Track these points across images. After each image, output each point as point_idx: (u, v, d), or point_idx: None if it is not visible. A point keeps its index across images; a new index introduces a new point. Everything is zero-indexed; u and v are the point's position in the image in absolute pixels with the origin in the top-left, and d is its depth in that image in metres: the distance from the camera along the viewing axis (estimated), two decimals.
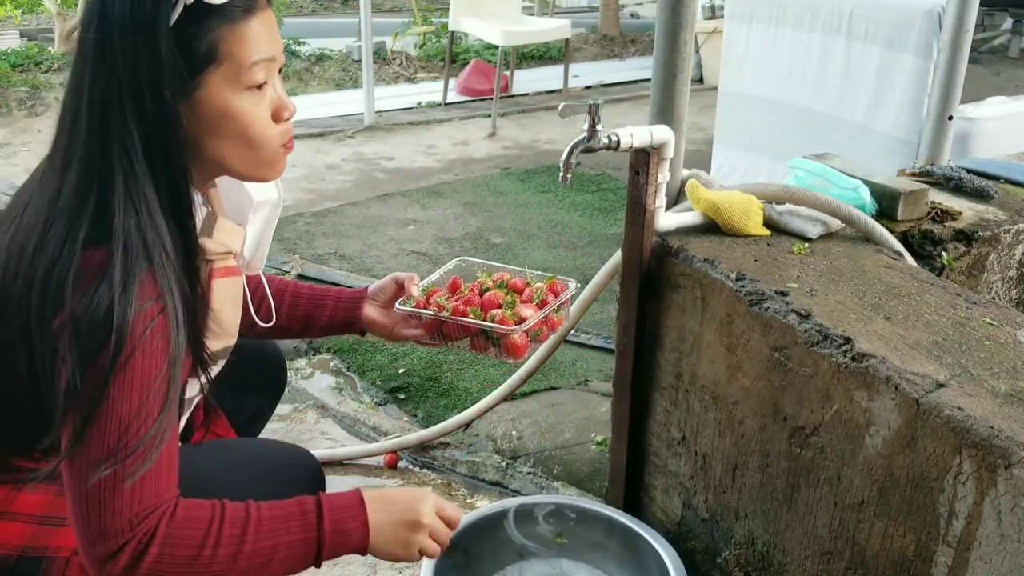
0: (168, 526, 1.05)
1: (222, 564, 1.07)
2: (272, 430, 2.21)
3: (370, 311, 1.55)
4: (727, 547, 1.70)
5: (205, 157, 1.14)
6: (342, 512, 1.16)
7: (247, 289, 1.39)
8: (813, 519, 1.48)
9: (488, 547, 1.78)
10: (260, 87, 1.13)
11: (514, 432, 2.44)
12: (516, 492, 2.23)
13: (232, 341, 1.27)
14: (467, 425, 2.35)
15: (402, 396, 2.62)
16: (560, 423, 2.48)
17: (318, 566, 1.16)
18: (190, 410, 1.34)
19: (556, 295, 1.51)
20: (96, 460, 1.01)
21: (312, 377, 2.73)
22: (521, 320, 1.43)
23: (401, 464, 2.33)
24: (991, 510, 1.16)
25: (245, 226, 1.32)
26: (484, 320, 1.44)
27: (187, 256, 1.12)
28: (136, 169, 1.05)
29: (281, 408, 2.54)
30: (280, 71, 1.18)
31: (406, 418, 2.53)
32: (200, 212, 1.17)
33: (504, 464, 2.31)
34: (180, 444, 1.30)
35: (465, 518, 1.78)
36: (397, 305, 1.52)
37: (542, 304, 1.48)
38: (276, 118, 1.16)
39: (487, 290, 1.52)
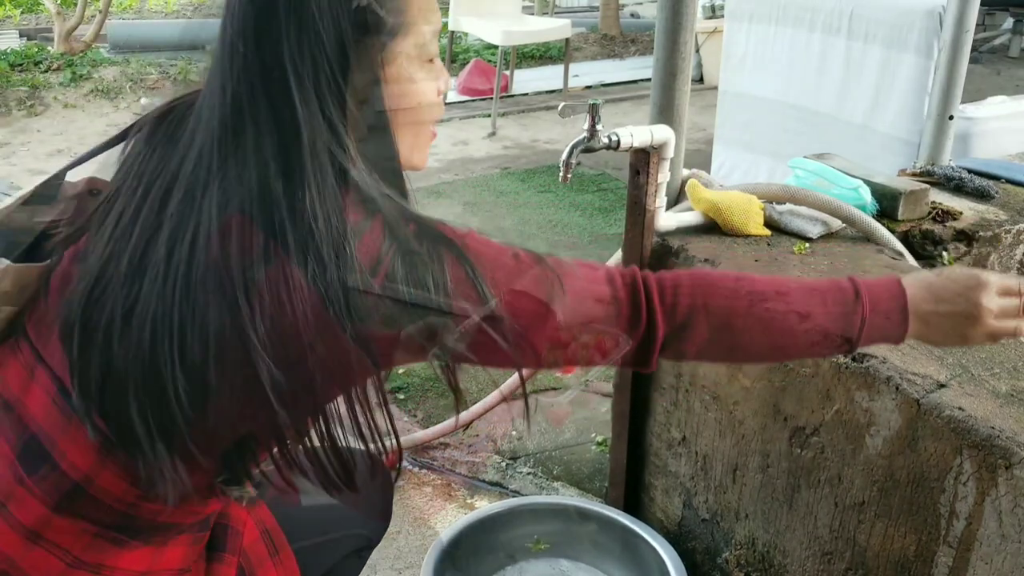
0: (672, 272, 0.98)
1: (760, 308, 0.98)
2: None
3: None
4: (727, 547, 1.70)
5: None
6: (881, 295, 1.02)
7: None
8: (814, 519, 1.48)
9: (488, 547, 1.78)
10: (432, 60, 1.01)
11: (514, 432, 2.44)
12: (516, 492, 2.23)
13: None
14: (467, 425, 2.34)
15: (402, 396, 2.62)
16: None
17: (850, 352, 1.05)
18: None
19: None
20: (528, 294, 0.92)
21: None
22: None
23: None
24: (992, 510, 1.16)
25: None
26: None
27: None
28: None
29: None
30: None
31: (406, 418, 2.53)
32: None
33: (504, 464, 2.31)
34: None
35: (464, 519, 1.78)
36: None
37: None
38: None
39: None
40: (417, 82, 0.99)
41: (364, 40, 0.91)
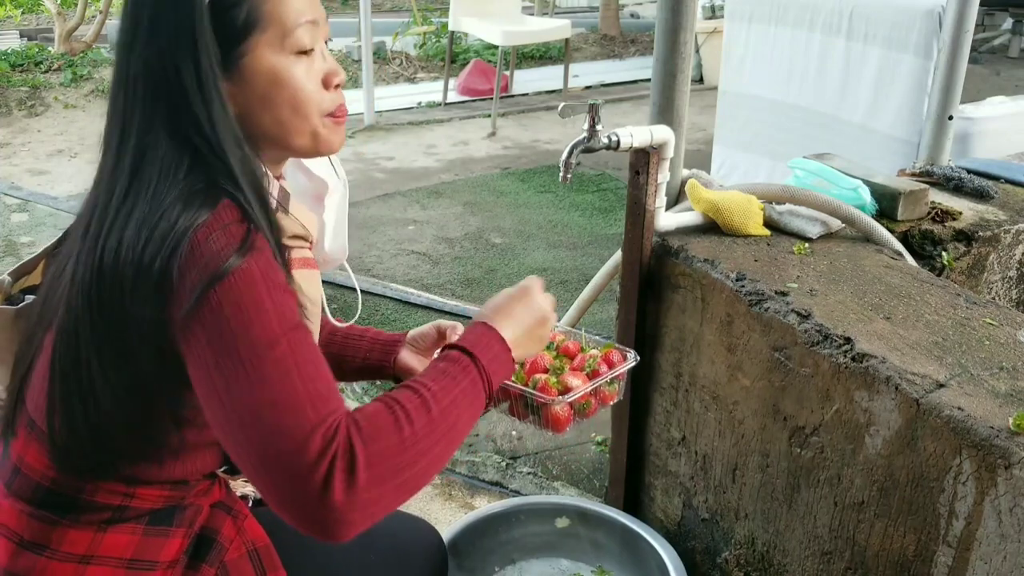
0: (357, 430, 0.97)
1: (425, 435, 1.00)
2: None
3: (407, 357, 1.41)
4: (727, 547, 1.70)
5: (262, 133, 1.09)
6: (485, 344, 1.11)
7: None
8: (813, 519, 1.48)
9: (488, 547, 1.78)
10: (308, 53, 1.08)
11: (514, 432, 2.44)
12: (516, 492, 2.23)
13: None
14: None
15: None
16: None
17: (490, 401, 1.13)
18: None
19: (611, 365, 1.35)
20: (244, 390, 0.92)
21: None
22: (566, 390, 1.29)
23: None
24: (991, 510, 1.16)
25: (321, 214, 1.26)
26: (527, 384, 1.30)
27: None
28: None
29: None
30: (327, 41, 1.14)
31: None
32: (274, 185, 1.11)
33: (504, 464, 2.31)
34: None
35: (464, 518, 1.78)
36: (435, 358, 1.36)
37: (593, 375, 1.33)
38: (326, 84, 1.10)
39: None
40: (284, 73, 1.06)
41: (219, 38, 1.01)
